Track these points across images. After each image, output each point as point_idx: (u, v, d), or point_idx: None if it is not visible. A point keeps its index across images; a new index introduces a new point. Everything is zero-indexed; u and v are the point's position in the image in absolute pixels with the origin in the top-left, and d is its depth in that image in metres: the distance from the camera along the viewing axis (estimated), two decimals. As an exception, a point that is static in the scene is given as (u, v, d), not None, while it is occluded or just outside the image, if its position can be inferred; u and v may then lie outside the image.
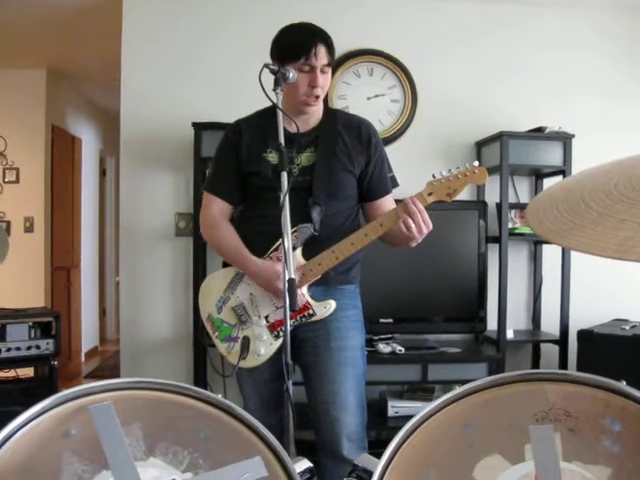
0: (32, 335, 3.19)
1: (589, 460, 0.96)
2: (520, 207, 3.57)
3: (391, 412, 3.26)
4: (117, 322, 5.96)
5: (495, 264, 3.37)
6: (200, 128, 3.26)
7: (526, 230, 3.42)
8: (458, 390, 1.08)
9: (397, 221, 1.90)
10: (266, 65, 1.84)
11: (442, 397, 1.08)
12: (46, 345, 3.20)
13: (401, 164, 2.96)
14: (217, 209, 2.09)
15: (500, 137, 3.32)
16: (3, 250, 3.09)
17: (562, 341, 3.42)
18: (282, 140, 1.77)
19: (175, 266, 3.54)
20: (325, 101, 2.09)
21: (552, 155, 3.37)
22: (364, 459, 1.11)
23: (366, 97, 3.60)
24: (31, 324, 3.20)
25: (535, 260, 3.71)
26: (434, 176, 1.95)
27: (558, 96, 3.69)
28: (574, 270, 3.43)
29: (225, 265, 2.12)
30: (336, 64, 3.49)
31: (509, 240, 3.37)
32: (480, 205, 3.43)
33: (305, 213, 1.95)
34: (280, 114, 1.80)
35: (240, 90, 3.30)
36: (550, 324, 3.61)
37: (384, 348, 3.20)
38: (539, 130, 3.42)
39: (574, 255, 3.42)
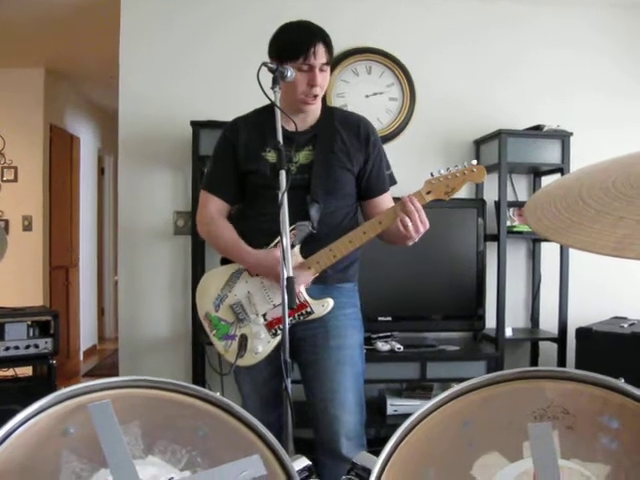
0: (30, 334, 3.18)
1: (587, 457, 0.96)
2: (518, 205, 3.57)
3: (390, 410, 3.26)
4: (115, 321, 5.96)
5: (494, 262, 3.37)
6: (198, 126, 3.26)
7: (524, 228, 3.42)
8: (456, 388, 1.08)
9: (395, 219, 1.91)
10: (264, 64, 1.84)
11: (440, 395, 1.08)
12: (44, 344, 3.19)
13: (399, 162, 2.96)
14: (214, 208, 2.09)
15: (499, 135, 3.32)
16: (1, 249, 3.08)
17: (560, 339, 3.42)
18: (280, 139, 1.77)
19: (174, 265, 3.54)
20: (323, 99, 2.09)
21: (550, 153, 3.37)
22: (363, 457, 1.11)
23: (364, 95, 3.60)
24: (29, 323, 3.20)
25: (533, 258, 3.71)
26: (432, 174, 1.95)
27: (557, 94, 3.70)
28: (572, 268, 3.43)
29: (223, 263, 2.12)
30: (334, 62, 3.49)
31: (507, 238, 3.37)
32: (478, 203, 3.44)
33: (303, 211, 1.95)
34: (278, 112, 1.80)
35: (238, 88, 3.30)
36: (548, 322, 3.61)
37: (383, 346, 3.20)
38: (537, 128, 3.42)
39: (572, 253, 3.42)
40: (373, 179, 2.11)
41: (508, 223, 3.44)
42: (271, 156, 1.99)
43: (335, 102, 3.52)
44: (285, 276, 1.63)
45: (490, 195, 3.51)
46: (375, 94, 3.61)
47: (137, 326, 3.52)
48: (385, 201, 2.13)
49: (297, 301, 1.93)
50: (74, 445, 0.98)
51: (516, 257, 3.66)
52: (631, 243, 0.79)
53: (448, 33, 3.66)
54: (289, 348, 1.67)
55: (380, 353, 3.18)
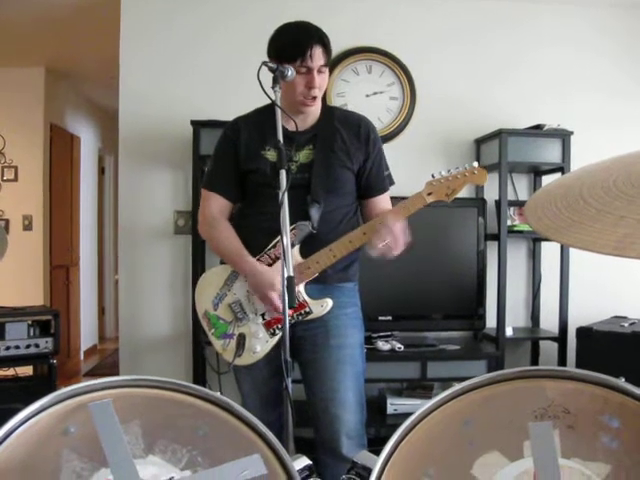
0: (31, 333, 3.18)
1: (588, 457, 0.96)
2: (519, 204, 3.57)
3: (390, 409, 3.26)
4: (116, 320, 5.97)
5: (494, 261, 3.37)
6: (199, 126, 3.26)
7: (525, 227, 3.42)
8: (457, 387, 1.08)
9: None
10: (264, 63, 1.84)
11: (441, 394, 1.08)
12: (45, 343, 3.20)
13: (400, 161, 2.96)
14: (216, 206, 2.09)
15: (499, 134, 3.32)
16: (2, 248, 3.08)
17: (561, 338, 3.42)
18: (281, 138, 1.77)
19: (174, 264, 3.54)
20: (323, 99, 2.09)
21: (551, 152, 3.37)
22: (363, 456, 1.11)
23: (365, 95, 3.60)
24: (30, 322, 3.20)
25: (534, 257, 3.71)
26: (433, 176, 1.96)
27: (557, 93, 3.69)
28: (573, 267, 3.43)
29: (223, 262, 2.12)
30: (334, 62, 3.49)
31: (508, 237, 3.37)
32: (479, 202, 3.43)
33: (303, 211, 1.96)
34: (279, 112, 1.80)
35: (238, 88, 3.30)
36: (549, 321, 3.61)
37: (383, 346, 3.20)
38: (538, 127, 3.42)
39: (573, 252, 3.42)
40: (372, 178, 2.11)
41: (509, 222, 3.44)
42: (271, 155, 2.00)
43: (335, 101, 3.52)
44: (285, 275, 1.63)
45: (491, 194, 3.50)
46: (375, 93, 3.61)
47: (137, 325, 3.52)
48: (383, 201, 2.13)
49: (296, 301, 1.93)
50: (75, 444, 0.98)
51: (516, 256, 3.66)
52: (632, 242, 0.79)
53: (448, 32, 3.65)
54: (289, 347, 1.67)
55: (380, 352, 3.18)
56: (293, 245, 1.94)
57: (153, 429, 1.03)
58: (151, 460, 1.00)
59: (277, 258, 1.98)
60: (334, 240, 1.96)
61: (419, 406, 1.07)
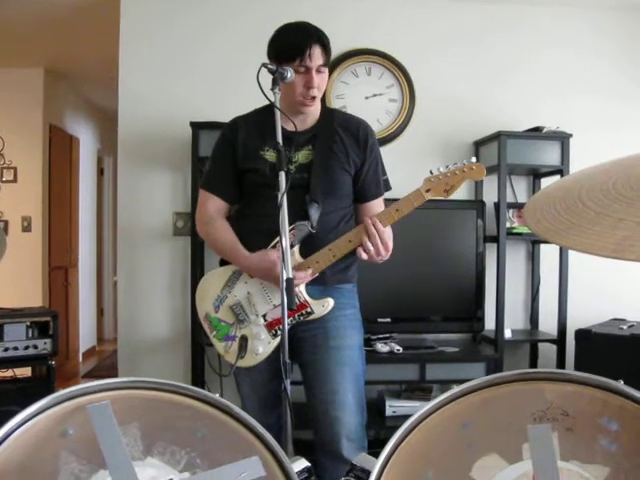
0: (29, 335, 3.18)
1: (586, 459, 0.96)
2: (518, 207, 3.57)
3: (389, 411, 3.26)
4: (115, 322, 5.95)
5: (493, 264, 3.37)
6: (198, 127, 3.26)
7: (524, 230, 3.42)
8: (456, 389, 1.08)
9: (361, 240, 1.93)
10: (264, 65, 1.84)
11: (440, 396, 1.08)
12: (43, 345, 3.19)
13: (399, 163, 2.97)
14: (213, 207, 2.09)
15: (498, 137, 3.32)
16: (1, 249, 3.07)
17: (560, 341, 3.42)
18: (280, 139, 1.77)
19: (173, 266, 3.54)
20: (323, 100, 2.09)
21: (550, 155, 3.37)
22: (362, 458, 1.11)
23: (364, 96, 3.60)
24: (29, 324, 3.19)
25: (533, 260, 3.71)
26: (431, 172, 1.95)
27: (556, 95, 3.70)
28: (572, 270, 3.44)
29: (222, 264, 2.12)
30: (334, 64, 3.49)
31: (507, 240, 3.37)
32: (478, 205, 3.44)
33: (302, 211, 1.96)
34: (278, 113, 1.80)
35: (238, 89, 3.30)
36: (548, 324, 3.61)
37: (382, 347, 3.20)
38: (537, 130, 3.42)
39: (572, 255, 3.42)
40: (368, 183, 2.11)
41: (508, 224, 3.44)
42: (270, 155, 2.00)
43: (335, 103, 3.52)
44: (284, 277, 1.63)
45: (490, 196, 3.51)
46: (375, 95, 3.61)
47: (136, 327, 3.52)
48: (376, 206, 2.12)
49: (297, 301, 1.93)
50: (73, 446, 0.97)
51: (515, 258, 3.66)
52: (631, 245, 0.79)
53: (448, 34, 3.66)
54: (289, 349, 1.66)
55: (379, 354, 3.18)
56: (293, 245, 1.94)
57: (152, 431, 1.03)
58: (150, 462, 1.00)
59: (274, 249, 1.98)
60: (333, 241, 1.96)
61: (418, 408, 1.07)
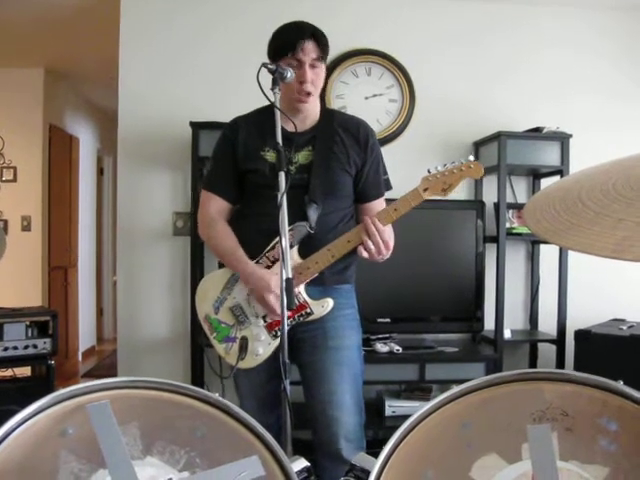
0: (29, 334, 3.18)
1: (586, 459, 0.96)
2: (518, 207, 3.57)
3: (388, 412, 3.26)
4: (114, 321, 5.94)
5: (493, 264, 3.37)
6: (198, 127, 3.26)
7: (524, 230, 3.42)
8: (455, 389, 1.08)
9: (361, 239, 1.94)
10: (264, 65, 1.84)
11: (439, 396, 1.08)
12: (43, 344, 3.19)
13: (399, 164, 2.96)
14: (214, 207, 2.09)
15: (498, 137, 3.32)
16: (0, 249, 3.08)
17: (559, 341, 3.42)
18: (280, 140, 1.77)
19: (173, 265, 3.54)
20: (322, 101, 2.09)
21: (550, 155, 3.37)
22: (361, 458, 1.11)
23: (364, 97, 3.60)
24: (28, 323, 3.19)
25: (532, 260, 3.71)
26: (429, 171, 1.95)
27: (556, 96, 3.70)
28: (571, 270, 3.44)
29: (222, 265, 2.12)
30: (334, 64, 3.50)
31: (507, 240, 3.37)
32: (478, 205, 3.44)
33: (302, 211, 1.95)
34: (278, 114, 1.80)
35: (238, 89, 3.29)
36: (547, 324, 3.61)
37: (382, 348, 3.20)
38: (537, 130, 3.42)
39: (571, 255, 3.42)
40: (369, 183, 2.11)
41: (507, 225, 3.44)
42: (270, 156, 1.99)
43: (334, 104, 3.52)
44: (284, 277, 1.63)
45: (489, 197, 3.51)
46: (375, 96, 3.61)
47: (136, 327, 3.52)
48: (377, 207, 2.12)
49: (296, 302, 1.93)
50: (73, 446, 0.97)
51: (515, 259, 3.66)
52: (630, 245, 0.79)
53: (448, 34, 3.66)
54: (288, 349, 1.66)
55: (379, 354, 3.17)
56: (292, 246, 1.93)
57: (151, 430, 1.03)
58: (149, 461, 1.00)
59: (276, 260, 1.97)
60: (332, 241, 1.96)
61: (417, 408, 1.07)
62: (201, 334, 2.23)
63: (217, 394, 1.09)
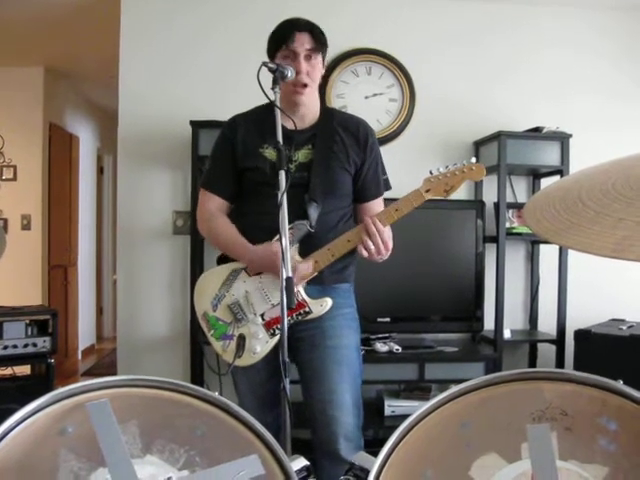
0: (29, 333, 3.18)
1: (585, 459, 0.96)
2: (518, 207, 3.57)
3: (388, 411, 3.26)
4: (114, 320, 5.93)
5: (492, 264, 3.37)
6: (198, 126, 3.26)
7: (523, 230, 3.42)
8: (455, 389, 1.08)
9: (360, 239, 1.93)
10: (264, 63, 1.84)
11: (439, 396, 1.08)
12: (43, 343, 3.19)
13: (399, 163, 2.97)
14: (213, 206, 2.09)
15: (498, 137, 3.32)
16: (0, 248, 3.08)
17: (559, 341, 3.43)
18: (280, 138, 1.77)
19: (173, 264, 3.54)
20: (322, 100, 2.09)
21: (550, 155, 3.37)
22: (361, 457, 1.11)
23: (364, 96, 3.60)
24: (28, 322, 3.19)
25: (532, 260, 3.71)
26: (431, 172, 1.95)
27: (556, 96, 3.70)
28: (571, 270, 3.44)
29: (220, 263, 2.12)
30: (334, 63, 3.50)
31: (506, 240, 3.37)
32: (478, 205, 3.44)
33: (301, 210, 1.95)
34: (278, 112, 1.80)
35: (238, 88, 3.29)
36: (547, 324, 3.61)
37: (381, 347, 3.20)
38: (537, 130, 3.42)
39: (571, 255, 3.42)
40: (368, 183, 2.11)
41: (507, 225, 3.44)
42: (269, 153, 1.99)
43: (335, 103, 3.52)
44: (284, 276, 1.63)
45: (489, 196, 3.51)
46: (375, 95, 3.61)
47: (135, 325, 3.52)
48: (376, 206, 2.12)
49: (295, 300, 1.93)
50: (72, 444, 0.97)
51: (515, 259, 3.66)
52: (631, 245, 0.79)
53: (448, 34, 3.66)
54: (287, 348, 1.66)
55: (378, 354, 3.17)
56: (292, 244, 1.93)
57: (151, 429, 1.03)
58: (149, 460, 1.00)
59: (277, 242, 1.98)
60: (332, 240, 1.96)
61: (417, 408, 1.07)
62: (201, 333, 2.23)
63: (216, 393, 1.09)
